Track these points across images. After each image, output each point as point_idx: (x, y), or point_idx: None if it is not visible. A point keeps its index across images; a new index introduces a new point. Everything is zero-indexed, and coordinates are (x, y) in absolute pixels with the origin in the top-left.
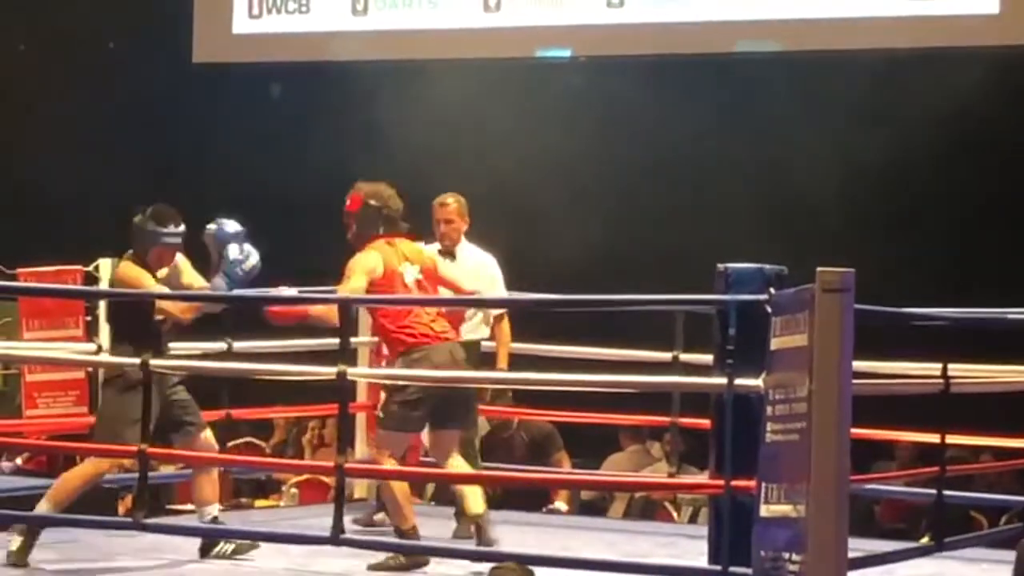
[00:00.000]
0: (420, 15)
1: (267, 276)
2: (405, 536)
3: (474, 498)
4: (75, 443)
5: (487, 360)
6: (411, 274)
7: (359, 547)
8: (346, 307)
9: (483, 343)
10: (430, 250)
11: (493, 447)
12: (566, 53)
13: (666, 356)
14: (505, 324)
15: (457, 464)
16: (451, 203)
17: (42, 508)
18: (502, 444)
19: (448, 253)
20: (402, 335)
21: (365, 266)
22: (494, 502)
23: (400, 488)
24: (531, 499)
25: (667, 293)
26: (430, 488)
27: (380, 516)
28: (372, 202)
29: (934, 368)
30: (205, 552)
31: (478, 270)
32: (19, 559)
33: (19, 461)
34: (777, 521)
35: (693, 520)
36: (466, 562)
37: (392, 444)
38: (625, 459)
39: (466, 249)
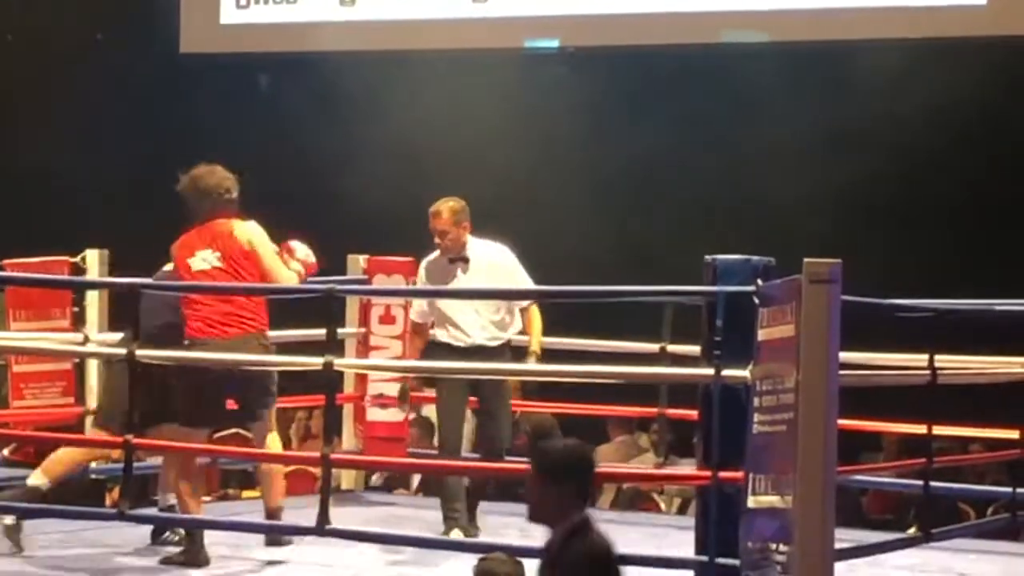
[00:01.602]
0: (408, 6)
1: None
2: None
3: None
4: (61, 434)
5: (520, 358)
6: (200, 262)
7: (345, 538)
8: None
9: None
10: (243, 229)
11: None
12: (554, 44)
13: (654, 347)
14: (533, 312)
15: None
16: (443, 213)
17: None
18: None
19: (458, 260)
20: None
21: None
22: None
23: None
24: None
25: (655, 284)
26: (415, 479)
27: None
28: (192, 188)
29: (921, 359)
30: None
31: (492, 272)
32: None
33: (6, 452)
34: (764, 512)
35: (682, 512)
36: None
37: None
38: (613, 450)
39: (476, 251)
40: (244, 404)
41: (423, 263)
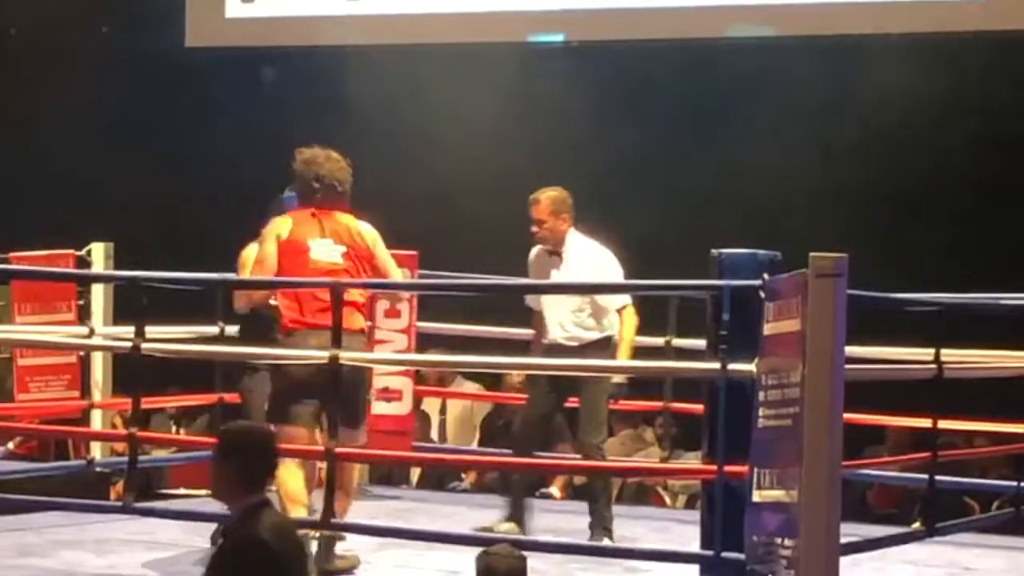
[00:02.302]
0: (412, 0)
1: None
2: None
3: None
4: (67, 427)
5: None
6: (323, 251)
7: (349, 531)
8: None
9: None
10: (367, 229)
11: (502, 432)
12: (559, 38)
13: (659, 341)
14: (626, 314)
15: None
16: (540, 201)
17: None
18: (509, 429)
19: (554, 253)
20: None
21: (272, 231)
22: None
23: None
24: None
25: (661, 278)
26: (416, 472)
27: None
28: (305, 169)
29: (927, 353)
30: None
31: (580, 270)
32: None
33: (11, 445)
34: (769, 506)
35: (689, 507)
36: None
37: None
38: (617, 444)
39: (573, 248)
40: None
41: (531, 252)
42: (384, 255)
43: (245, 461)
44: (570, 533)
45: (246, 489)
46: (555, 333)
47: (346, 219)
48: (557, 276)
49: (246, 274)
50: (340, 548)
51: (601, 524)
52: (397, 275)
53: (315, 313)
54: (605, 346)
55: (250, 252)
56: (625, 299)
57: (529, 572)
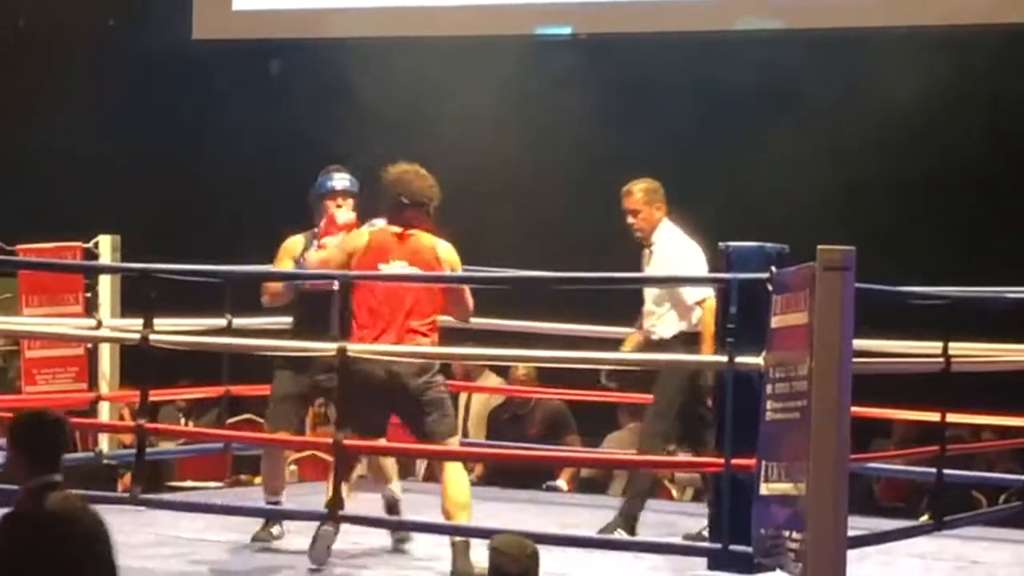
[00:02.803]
0: None
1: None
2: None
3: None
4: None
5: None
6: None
7: (356, 523)
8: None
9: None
10: (446, 252)
11: (509, 424)
12: (566, 31)
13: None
14: (706, 308)
15: None
16: (633, 193)
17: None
18: (518, 421)
19: (649, 245)
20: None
21: (350, 244)
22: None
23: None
24: (533, 477)
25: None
26: (422, 465)
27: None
28: (393, 186)
29: (935, 347)
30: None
31: (665, 264)
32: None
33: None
34: (777, 499)
35: (696, 500)
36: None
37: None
38: (625, 437)
39: (660, 241)
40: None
41: None
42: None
43: (30, 444)
44: (577, 526)
45: (31, 471)
46: (647, 327)
47: (428, 240)
48: (650, 269)
49: (280, 267)
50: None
51: (625, 515)
52: (469, 301)
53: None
54: (688, 341)
55: (290, 244)
56: (704, 292)
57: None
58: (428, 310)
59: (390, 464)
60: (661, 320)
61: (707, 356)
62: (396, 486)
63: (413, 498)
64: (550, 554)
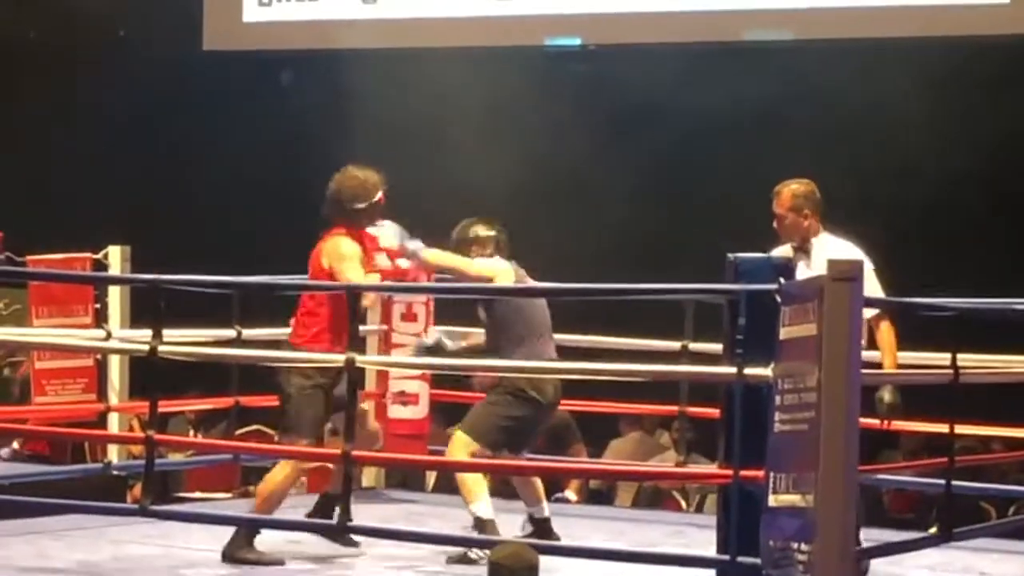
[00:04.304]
0: (430, 3)
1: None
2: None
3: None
4: (83, 430)
5: None
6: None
7: (365, 534)
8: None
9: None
10: (329, 247)
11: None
12: (576, 42)
13: (675, 345)
14: (884, 326)
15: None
16: (781, 194)
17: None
18: None
19: (801, 251)
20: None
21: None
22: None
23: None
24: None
25: (677, 282)
26: (431, 477)
27: None
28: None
29: (943, 358)
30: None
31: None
32: None
33: (16, 445)
34: (785, 511)
35: (700, 508)
36: None
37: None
38: (630, 447)
39: (821, 246)
40: None
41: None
42: (337, 267)
43: None
44: (586, 538)
45: None
46: None
47: (324, 243)
48: (804, 275)
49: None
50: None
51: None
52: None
53: None
54: None
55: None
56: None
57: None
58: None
59: (538, 484)
60: None
61: (716, 368)
62: (545, 506)
63: (422, 509)
64: (557, 565)
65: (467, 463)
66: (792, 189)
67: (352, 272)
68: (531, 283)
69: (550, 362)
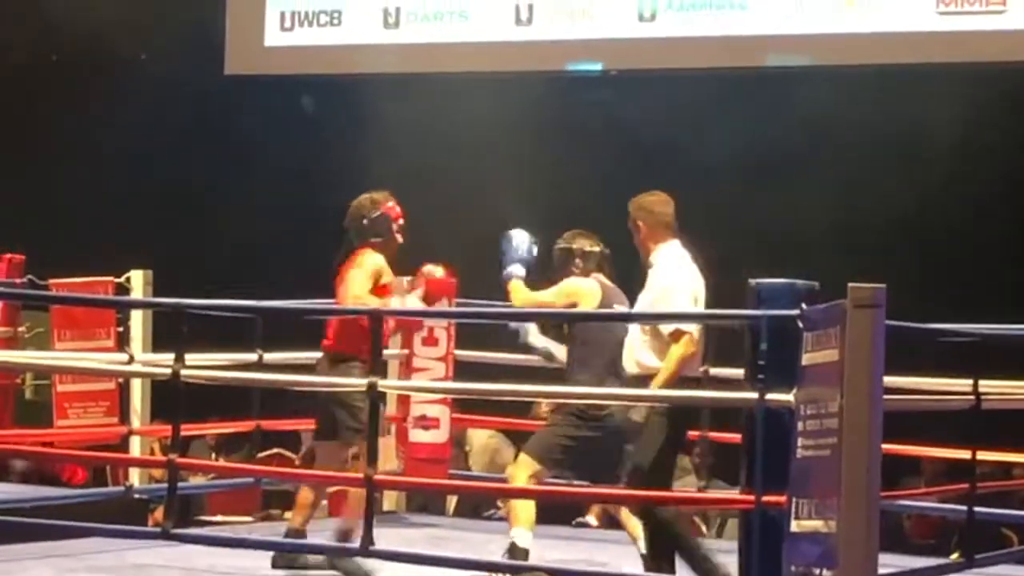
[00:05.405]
0: (452, 28)
1: (300, 286)
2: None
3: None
4: (105, 453)
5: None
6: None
7: (387, 559)
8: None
9: None
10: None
11: None
12: (597, 67)
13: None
14: (674, 344)
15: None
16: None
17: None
18: None
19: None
20: None
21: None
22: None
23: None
24: (562, 512)
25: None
26: (452, 501)
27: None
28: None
29: (965, 384)
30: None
31: (643, 297)
32: None
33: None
34: (808, 536)
35: (720, 533)
36: None
37: None
38: None
39: (655, 263)
40: None
41: None
42: (349, 276)
43: None
44: (606, 564)
45: None
46: (625, 362)
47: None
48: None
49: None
50: None
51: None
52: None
53: None
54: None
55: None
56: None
57: None
58: None
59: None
60: (639, 355)
61: (738, 393)
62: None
63: (443, 533)
64: None
65: (483, 487)
66: (633, 201)
67: (357, 282)
68: (618, 305)
69: (585, 387)
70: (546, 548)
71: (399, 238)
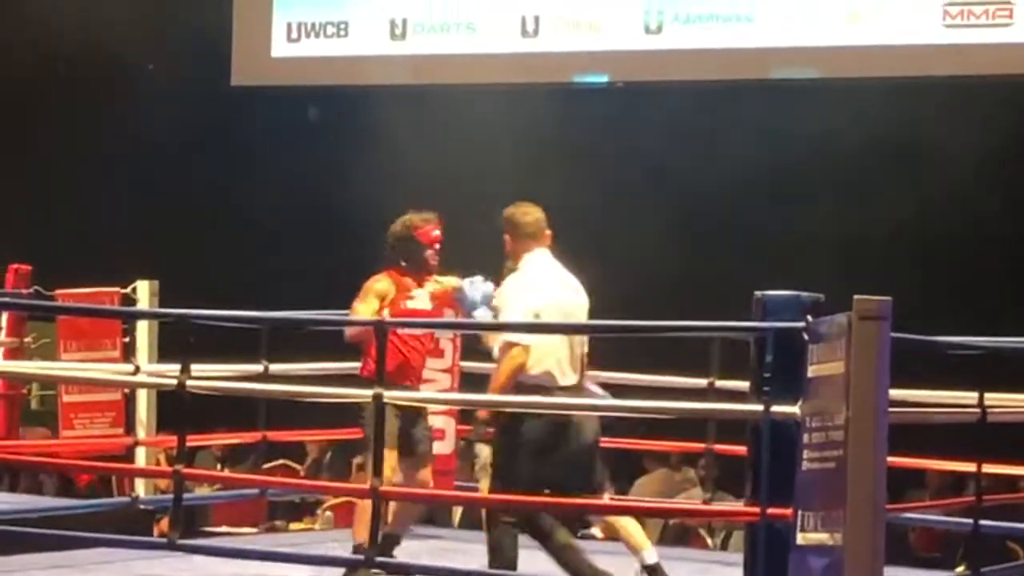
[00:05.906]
0: (458, 40)
1: (306, 297)
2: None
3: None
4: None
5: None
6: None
7: (393, 571)
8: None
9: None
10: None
11: None
12: (603, 79)
13: (702, 382)
14: (511, 353)
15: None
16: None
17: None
18: None
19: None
20: None
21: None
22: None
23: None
24: (567, 524)
25: (703, 319)
26: (457, 512)
27: None
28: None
29: (971, 397)
30: None
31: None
32: None
33: None
34: (813, 549)
35: (725, 546)
36: None
37: None
38: (656, 484)
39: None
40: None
41: None
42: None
43: None
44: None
45: None
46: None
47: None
48: None
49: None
50: None
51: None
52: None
53: None
54: None
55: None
56: (518, 336)
57: None
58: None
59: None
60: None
61: (743, 405)
62: (648, 552)
63: (448, 545)
64: None
65: (488, 499)
66: (502, 213)
67: (359, 304)
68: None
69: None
70: (549, 561)
71: (432, 262)
